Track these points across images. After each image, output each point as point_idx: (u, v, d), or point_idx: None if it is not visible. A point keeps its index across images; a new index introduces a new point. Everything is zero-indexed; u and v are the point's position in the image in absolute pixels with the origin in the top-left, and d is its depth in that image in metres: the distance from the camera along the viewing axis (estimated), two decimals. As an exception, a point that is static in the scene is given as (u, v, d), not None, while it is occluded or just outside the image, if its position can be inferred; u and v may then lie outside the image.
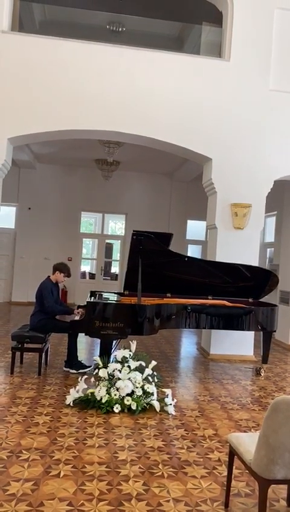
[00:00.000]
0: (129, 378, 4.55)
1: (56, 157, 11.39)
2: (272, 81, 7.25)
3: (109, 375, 4.59)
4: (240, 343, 7.12)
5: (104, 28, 8.61)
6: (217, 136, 7.10)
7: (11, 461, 3.25)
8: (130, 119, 6.87)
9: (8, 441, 3.59)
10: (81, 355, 6.22)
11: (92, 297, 6.03)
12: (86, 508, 2.71)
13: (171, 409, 4.48)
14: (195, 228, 12.78)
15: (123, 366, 4.68)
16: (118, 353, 4.87)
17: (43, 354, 5.64)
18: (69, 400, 4.48)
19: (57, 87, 6.73)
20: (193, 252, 12.91)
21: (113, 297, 6.17)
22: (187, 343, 8.50)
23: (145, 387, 4.54)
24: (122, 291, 6.29)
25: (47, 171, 12.25)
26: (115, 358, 4.89)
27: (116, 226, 15.69)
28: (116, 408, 4.38)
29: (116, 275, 13.58)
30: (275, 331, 6.27)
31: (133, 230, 5.59)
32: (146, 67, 6.95)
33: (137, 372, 4.63)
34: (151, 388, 4.57)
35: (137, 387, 4.52)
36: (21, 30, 7.33)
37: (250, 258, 6.95)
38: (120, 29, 8.60)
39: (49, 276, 5.92)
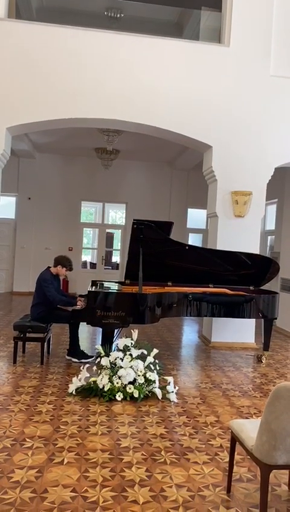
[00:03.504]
0: (131, 367, 4.58)
1: (55, 147, 11.32)
2: (273, 66, 7.16)
3: (111, 363, 4.62)
4: (241, 331, 7.14)
5: (102, 15, 8.49)
6: (217, 123, 7.04)
7: (15, 449, 3.28)
8: (129, 107, 6.80)
9: (11, 429, 3.62)
10: (83, 345, 6.25)
11: (93, 287, 6.04)
12: (89, 494, 2.75)
13: (173, 397, 4.51)
14: (196, 216, 12.75)
15: (125, 354, 4.70)
16: (120, 342, 4.89)
17: (46, 343, 5.66)
18: (72, 388, 4.51)
19: (55, 75, 6.65)
20: (194, 240, 12.90)
21: (114, 287, 6.18)
22: (188, 331, 8.53)
23: (147, 375, 4.57)
24: (123, 281, 6.30)
25: (46, 160, 12.19)
26: (117, 346, 4.91)
27: (117, 215, 15.64)
28: (119, 396, 4.41)
29: (117, 264, 13.58)
30: (276, 319, 6.30)
31: (134, 219, 5.57)
32: (145, 53, 6.86)
33: (139, 361, 4.65)
34: (153, 376, 4.60)
35: (139, 375, 4.55)
36: (18, 17, 7.23)
37: (251, 245, 6.93)
38: (118, 15, 8.49)
39: (49, 267, 5.85)
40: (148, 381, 4.56)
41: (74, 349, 5.83)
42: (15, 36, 6.62)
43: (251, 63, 7.08)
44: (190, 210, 12.81)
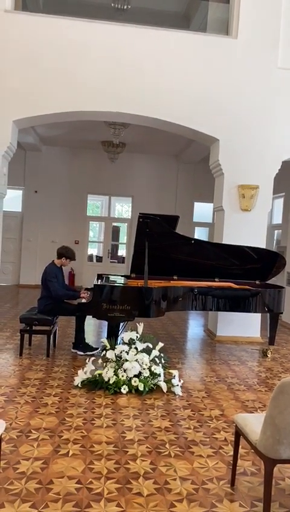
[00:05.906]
0: (136, 360, 4.59)
1: (62, 140, 11.31)
2: (281, 58, 7.09)
3: (116, 356, 4.64)
4: (246, 325, 7.13)
5: (109, 6, 8.42)
6: (224, 116, 6.98)
7: (21, 441, 3.32)
8: (136, 100, 6.77)
9: (17, 421, 3.66)
10: (89, 338, 6.28)
11: (99, 280, 6.05)
12: (94, 485, 2.77)
13: (178, 390, 4.53)
14: (202, 210, 12.71)
15: (130, 347, 4.72)
16: (125, 335, 4.91)
17: (51, 336, 5.69)
18: (77, 381, 4.54)
19: (62, 67, 6.63)
20: (200, 234, 12.87)
21: (120, 280, 6.19)
22: (194, 325, 8.54)
23: (152, 369, 4.59)
24: (129, 274, 6.31)
25: (53, 153, 12.19)
26: (122, 340, 4.93)
27: (123, 208, 15.63)
28: (124, 389, 4.43)
29: (123, 257, 13.60)
30: (281, 313, 6.29)
31: (140, 213, 5.57)
32: (152, 45, 6.81)
33: (144, 354, 4.67)
34: (158, 369, 4.62)
35: (144, 369, 4.56)
36: (24, 9, 7.19)
37: (257, 240, 6.90)
38: (125, 6, 8.41)
39: (53, 261, 5.90)
40: (153, 375, 4.58)
41: (80, 342, 5.86)
42: (22, 28, 6.60)
43: (259, 55, 7.01)
44: (196, 204, 12.77)
